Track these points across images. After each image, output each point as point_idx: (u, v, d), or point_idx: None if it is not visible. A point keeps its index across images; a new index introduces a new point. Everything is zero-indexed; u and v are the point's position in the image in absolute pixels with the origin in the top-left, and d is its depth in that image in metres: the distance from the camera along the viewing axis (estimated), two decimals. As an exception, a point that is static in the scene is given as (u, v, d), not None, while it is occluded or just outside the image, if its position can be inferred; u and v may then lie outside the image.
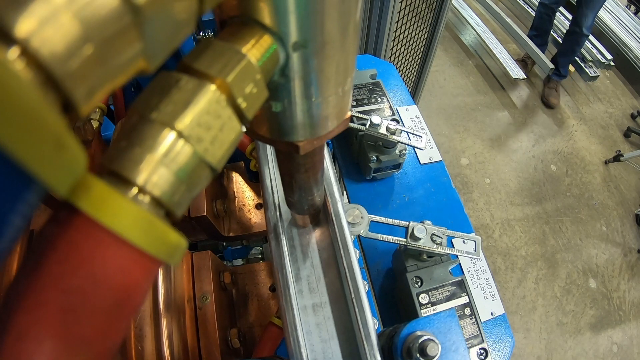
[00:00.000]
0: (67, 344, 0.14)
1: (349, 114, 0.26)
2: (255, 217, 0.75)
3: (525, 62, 2.69)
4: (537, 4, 2.59)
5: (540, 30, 2.58)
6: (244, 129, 0.19)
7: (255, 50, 0.17)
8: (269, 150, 0.49)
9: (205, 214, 0.62)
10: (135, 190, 0.15)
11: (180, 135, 0.15)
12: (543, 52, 2.58)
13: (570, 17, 2.48)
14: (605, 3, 2.86)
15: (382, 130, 0.65)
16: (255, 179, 0.81)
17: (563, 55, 2.53)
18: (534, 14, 2.66)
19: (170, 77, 0.16)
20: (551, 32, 2.65)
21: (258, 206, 0.77)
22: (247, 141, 0.68)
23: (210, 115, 0.16)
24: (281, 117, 0.22)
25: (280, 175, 0.33)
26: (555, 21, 2.62)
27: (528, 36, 2.64)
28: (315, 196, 0.37)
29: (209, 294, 0.56)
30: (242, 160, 0.85)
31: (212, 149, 0.16)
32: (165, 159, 0.15)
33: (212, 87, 0.16)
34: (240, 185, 0.79)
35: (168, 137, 0.15)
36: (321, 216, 0.46)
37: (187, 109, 0.15)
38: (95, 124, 0.73)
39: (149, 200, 0.15)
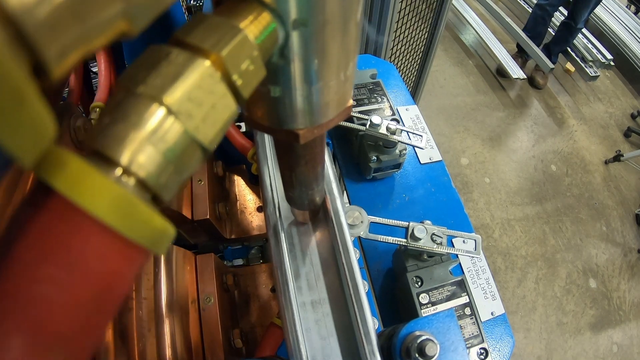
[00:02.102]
0: (40, 341, 0.13)
1: (350, 102, 0.25)
2: (257, 220, 0.76)
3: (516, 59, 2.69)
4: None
5: (533, 32, 2.59)
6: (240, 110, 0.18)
7: (253, 27, 0.16)
8: (268, 149, 0.49)
9: (208, 217, 0.62)
10: (119, 171, 0.14)
11: (168, 110, 0.14)
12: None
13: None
14: (606, 3, 2.86)
15: (382, 130, 0.65)
16: (256, 182, 0.81)
17: (555, 43, 2.56)
18: (534, 14, 2.66)
19: (159, 51, 0.15)
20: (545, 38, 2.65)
21: (259, 209, 0.77)
22: (248, 145, 0.68)
23: (202, 90, 0.15)
24: (280, 103, 0.21)
25: (280, 169, 0.32)
26: (550, 23, 2.62)
27: None
28: (316, 191, 0.36)
29: (212, 295, 0.57)
30: (244, 163, 0.85)
31: (203, 128, 0.15)
32: (152, 136, 0.14)
33: (205, 61, 0.15)
34: (242, 189, 0.79)
35: (155, 113, 0.14)
36: (321, 216, 0.46)
37: (177, 82, 0.14)
38: (95, 123, 0.73)
39: (134, 182, 0.14)
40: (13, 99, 0.10)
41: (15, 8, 0.09)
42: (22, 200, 0.14)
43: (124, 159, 0.14)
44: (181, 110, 0.14)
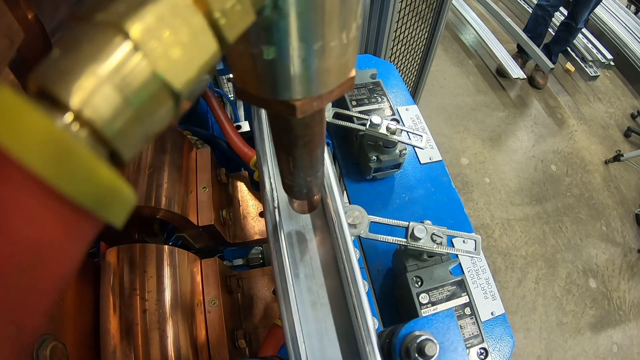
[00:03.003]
0: None
1: (353, 72, 0.22)
2: (259, 225, 0.77)
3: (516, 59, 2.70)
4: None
5: (533, 32, 2.59)
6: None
7: None
8: (269, 150, 0.49)
9: (212, 222, 0.63)
10: (69, 116, 0.11)
11: (132, 41, 0.12)
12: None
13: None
14: (606, 3, 2.86)
15: (382, 130, 0.65)
16: (257, 188, 0.82)
17: (556, 43, 2.57)
18: (534, 14, 2.66)
19: None
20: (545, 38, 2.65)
21: (261, 214, 0.78)
22: (251, 153, 0.69)
23: (175, 20, 0.12)
24: (275, 67, 0.19)
25: (276, 153, 0.30)
26: (551, 23, 2.62)
27: None
28: (315, 178, 0.34)
29: (217, 298, 0.58)
30: (245, 169, 0.86)
31: (174, 66, 0.13)
32: (110, 72, 0.12)
33: None
34: (244, 194, 0.80)
35: (116, 44, 0.12)
36: (321, 215, 0.46)
37: (144, 9, 0.12)
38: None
39: (86, 130, 0.12)
40: None
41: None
42: None
43: (75, 98, 0.11)
44: (147, 42, 0.12)
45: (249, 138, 0.75)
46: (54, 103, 0.11)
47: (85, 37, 0.12)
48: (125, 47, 0.12)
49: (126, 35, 0.12)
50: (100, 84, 0.11)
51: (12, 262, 0.11)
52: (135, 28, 0.12)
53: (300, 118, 0.21)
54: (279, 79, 0.19)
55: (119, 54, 0.12)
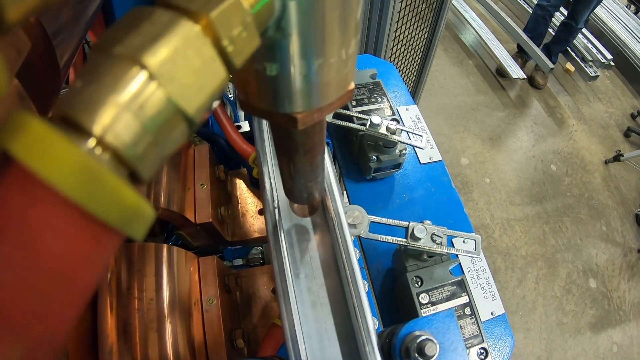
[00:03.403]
0: None
1: (352, 85, 0.24)
2: (258, 223, 0.76)
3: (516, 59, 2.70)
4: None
5: (534, 32, 2.59)
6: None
7: None
8: (269, 150, 0.49)
9: (210, 220, 0.63)
10: (92, 141, 0.12)
11: (148, 72, 0.13)
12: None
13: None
14: (606, 3, 2.86)
15: (382, 130, 0.65)
16: (257, 186, 0.81)
17: (556, 43, 2.57)
18: (534, 14, 2.66)
19: (142, 11, 0.14)
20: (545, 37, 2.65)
21: (260, 212, 0.77)
22: (250, 150, 0.69)
23: (187, 52, 0.14)
24: (277, 82, 0.20)
25: (277, 159, 0.31)
26: (551, 23, 2.62)
27: None
28: (315, 183, 0.35)
29: (214, 297, 0.57)
30: (245, 166, 0.86)
31: (187, 94, 0.14)
32: (128, 101, 0.13)
33: (191, 22, 0.14)
34: (243, 192, 0.80)
35: (133, 75, 0.13)
36: (321, 215, 0.46)
37: (159, 42, 0.13)
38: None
39: (108, 154, 0.13)
40: None
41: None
42: None
43: (97, 126, 0.12)
44: (162, 73, 0.13)
45: (249, 138, 0.75)
46: (78, 130, 0.12)
47: (104, 69, 0.13)
48: (141, 77, 0.13)
49: (142, 67, 0.13)
50: (120, 112, 0.12)
51: (48, 275, 0.12)
52: (151, 61, 0.13)
53: (301, 129, 0.22)
54: (281, 93, 0.20)
55: (135, 85, 0.13)
